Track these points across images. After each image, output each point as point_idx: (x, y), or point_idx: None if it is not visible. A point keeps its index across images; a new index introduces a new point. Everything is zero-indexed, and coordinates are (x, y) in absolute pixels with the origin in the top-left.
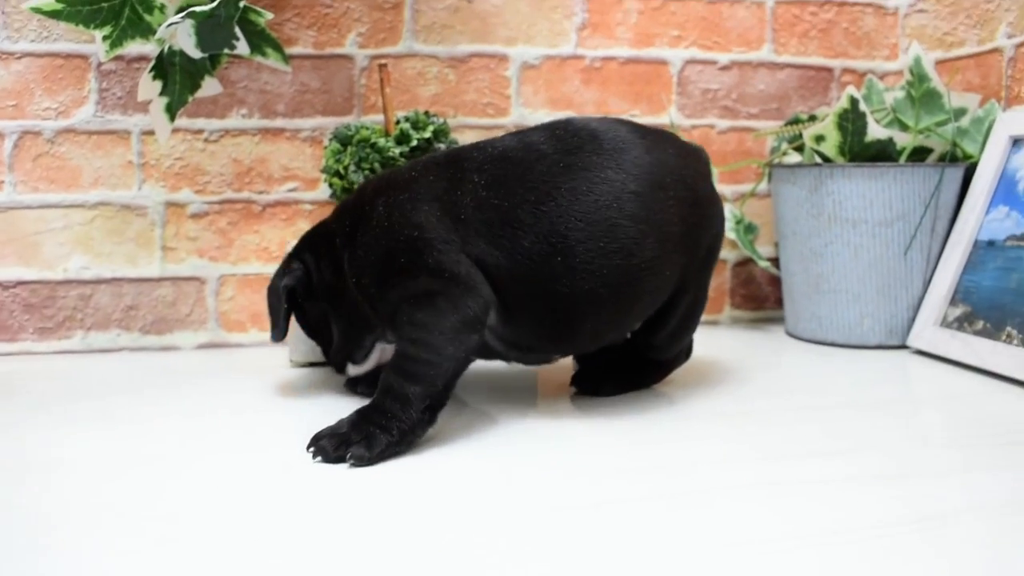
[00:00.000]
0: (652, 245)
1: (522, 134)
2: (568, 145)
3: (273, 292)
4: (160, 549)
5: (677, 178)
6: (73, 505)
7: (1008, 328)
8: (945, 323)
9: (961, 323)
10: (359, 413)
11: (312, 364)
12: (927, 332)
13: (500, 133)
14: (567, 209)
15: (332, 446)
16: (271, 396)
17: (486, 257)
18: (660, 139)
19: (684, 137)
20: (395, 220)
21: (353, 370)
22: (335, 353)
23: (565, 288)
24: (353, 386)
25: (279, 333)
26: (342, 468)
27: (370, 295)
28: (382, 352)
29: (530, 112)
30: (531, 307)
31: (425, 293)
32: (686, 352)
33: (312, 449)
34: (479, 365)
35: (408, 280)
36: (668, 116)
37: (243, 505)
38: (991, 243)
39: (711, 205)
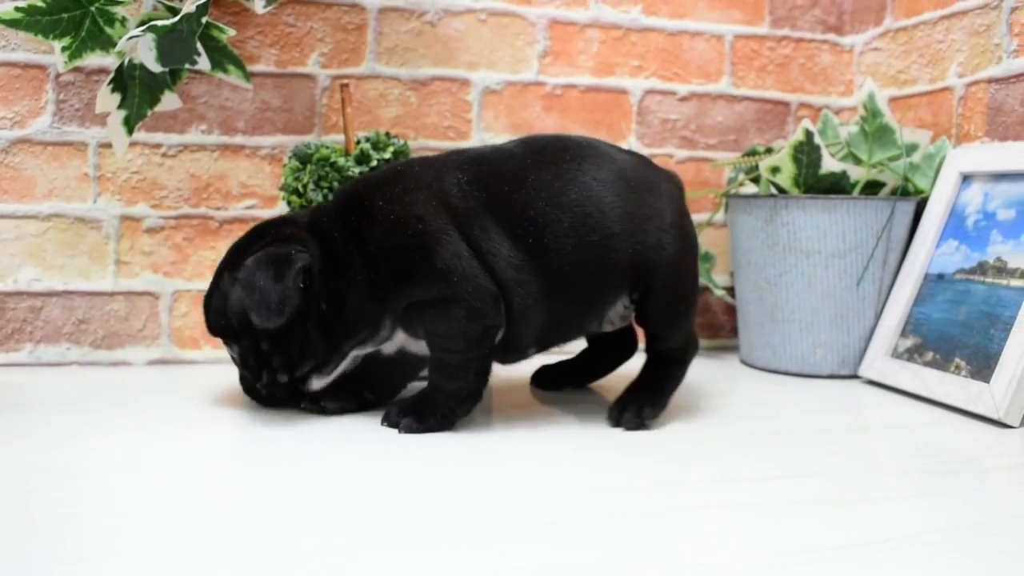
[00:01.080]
0: (608, 224)
1: (494, 145)
2: (535, 147)
3: (284, 263)
4: (96, 565)
5: (634, 175)
6: (5, 518)
7: (956, 360)
8: (896, 354)
9: (911, 354)
10: (420, 395)
11: None
12: (878, 362)
13: None
14: (535, 196)
15: (394, 413)
16: (222, 413)
17: (483, 242)
18: (619, 148)
19: None
20: (399, 213)
21: (317, 383)
22: (305, 362)
23: (539, 266)
24: (316, 401)
25: (283, 316)
26: (284, 483)
27: (384, 291)
28: (353, 360)
29: (491, 136)
30: (511, 297)
31: (441, 300)
32: (694, 344)
33: (384, 417)
34: None
35: (423, 282)
36: (627, 145)
37: (185, 521)
38: (941, 276)
39: (657, 201)
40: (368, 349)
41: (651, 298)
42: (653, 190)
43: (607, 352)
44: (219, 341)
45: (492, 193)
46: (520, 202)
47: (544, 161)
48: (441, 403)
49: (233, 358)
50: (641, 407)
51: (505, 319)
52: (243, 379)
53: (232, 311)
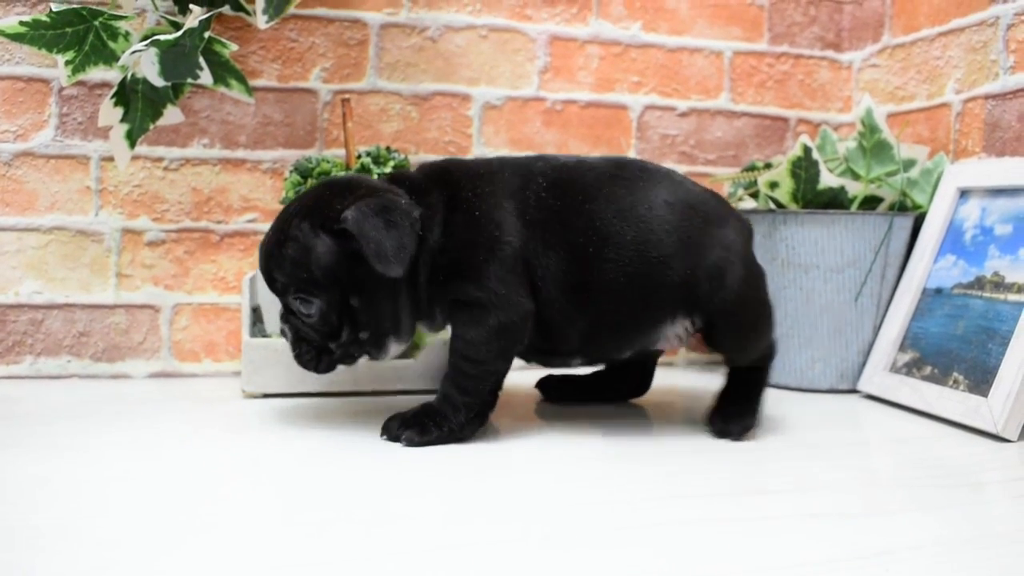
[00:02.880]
0: (670, 244)
1: (581, 156)
2: (618, 163)
3: (403, 212)
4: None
5: (703, 206)
6: (5, 529)
7: (954, 374)
8: (894, 368)
9: (910, 368)
10: (423, 407)
11: (266, 395)
12: (877, 377)
13: None
14: (605, 207)
15: (395, 426)
16: (221, 426)
17: (539, 258)
18: (696, 183)
19: None
20: (483, 211)
21: (395, 349)
22: (390, 321)
23: (593, 277)
24: (393, 430)
25: (404, 265)
26: (279, 504)
27: (441, 275)
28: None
29: (491, 151)
30: (564, 304)
31: (479, 304)
32: (772, 349)
33: (383, 430)
34: None
35: (474, 281)
36: None
37: (185, 534)
38: (939, 291)
39: (722, 232)
40: (424, 331)
41: (716, 327)
42: (720, 222)
43: (621, 382)
44: (220, 354)
45: (566, 203)
46: (590, 212)
47: (621, 176)
48: (450, 416)
49: (291, 320)
50: (742, 416)
51: (550, 326)
52: (304, 343)
53: (318, 263)
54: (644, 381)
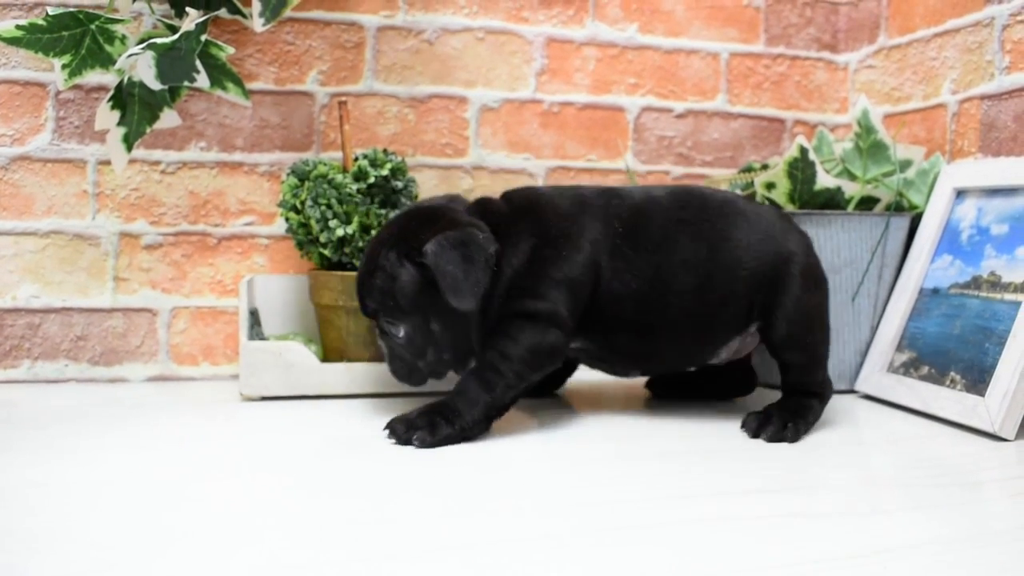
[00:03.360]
0: (731, 282)
1: (647, 188)
2: (680, 201)
3: (480, 250)
4: None
5: (764, 235)
6: (2, 534)
7: (952, 373)
8: (892, 368)
9: (907, 368)
10: (431, 405)
11: (264, 398)
12: (874, 377)
13: (459, 173)
14: (671, 257)
15: (402, 429)
16: (218, 429)
17: (607, 297)
18: (756, 203)
19: (638, 181)
20: (564, 251)
21: (473, 362)
22: (468, 344)
23: (655, 319)
24: (401, 432)
25: (476, 300)
26: (276, 506)
27: (512, 295)
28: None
29: (488, 153)
30: (626, 334)
31: (540, 316)
32: (830, 387)
33: (387, 431)
34: None
35: (541, 297)
36: (624, 162)
37: (181, 537)
38: (936, 291)
39: (787, 249)
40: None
41: (776, 332)
42: (782, 241)
43: (728, 381)
44: (218, 357)
45: (638, 251)
46: (657, 261)
47: (686, 219)
48: (464, 412)
49: (385, 339)
50: (786, 423)
51: (613, 351)
52: (397, 359)
53: (402, 291)
54: (748, 381)
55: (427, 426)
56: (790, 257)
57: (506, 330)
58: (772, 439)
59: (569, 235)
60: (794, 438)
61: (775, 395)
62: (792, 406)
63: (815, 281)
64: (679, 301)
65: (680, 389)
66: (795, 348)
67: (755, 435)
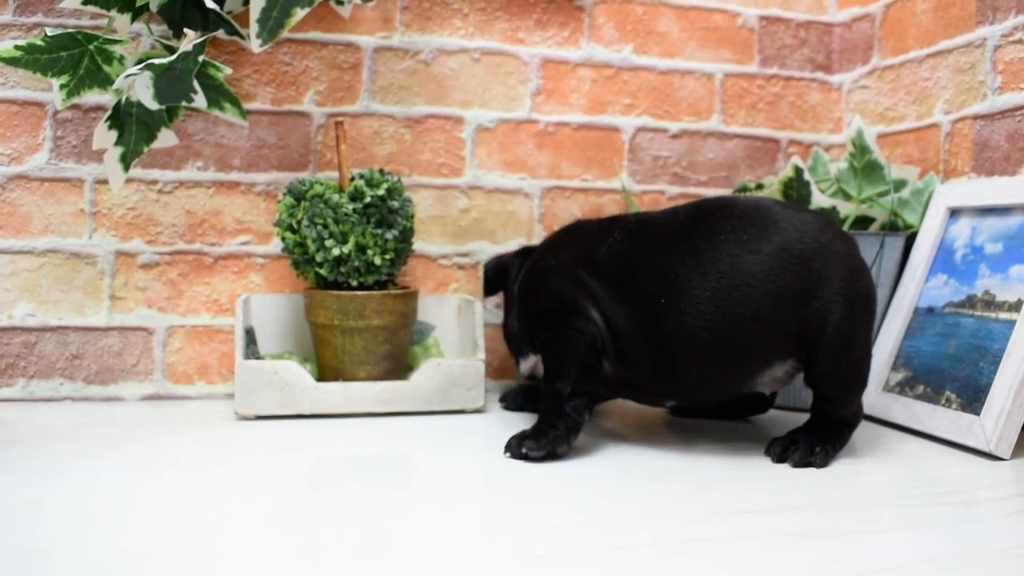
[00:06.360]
0: (758, 298)
1: (672, 208)
2: (703, 211)
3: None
4: None
5: (799, 243)
6: None
7: (947, 392)
8: (887, 387)
9: (902, 387)
10: (531, 429)
11: (259, 417)
12: (870, 396)
13: (455, 193)
14: (679, 262)
15: (515, 444)
16: (214, 449)
17: (607, 311)
18: (794, 207)
19: (635, 203)
20: (553, 282)
21: (524, 366)
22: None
23: (670, 330)
24: (515, 447)
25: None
26: (272, 526)
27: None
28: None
29: (484, 173)
30: (640, 348)
31: (553, 312)
32: (861, 412)
33: (507, 453)
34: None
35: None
36: (620, 181)
37: (177, 558)
38: (931, 310)
39: (824, 268)
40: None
41: (817, 365)
42: (820, 257)
43: (743, 401)
44: (213, 376)
45: (637, 255)
46: (660, 264)
47: (700, 229)
48: (561, 403)
49: None
50: (813, 448)
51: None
52: None
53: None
54: (762, 400)
55: (533, 435)
56: (825, 282)
57: (541, 337)
58: (799, 464)
59: (563, 261)
60: (823, 463)
61: (788, 416)
62: (820, 431)
63: (863, 307)
64: (694, 310)
65: (694, 408)
66: (836, 384)
67: (780, 460)
